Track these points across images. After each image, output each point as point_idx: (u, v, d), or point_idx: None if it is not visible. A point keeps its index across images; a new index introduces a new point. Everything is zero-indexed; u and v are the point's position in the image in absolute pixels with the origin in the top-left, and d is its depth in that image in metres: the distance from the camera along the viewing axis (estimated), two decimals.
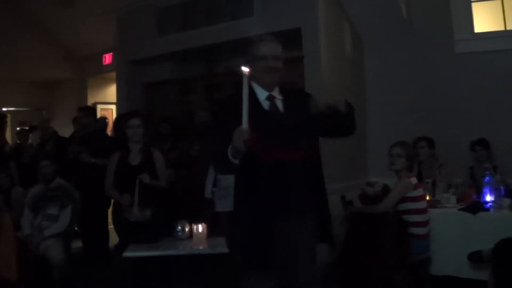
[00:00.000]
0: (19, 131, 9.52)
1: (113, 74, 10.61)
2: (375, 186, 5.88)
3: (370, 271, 5.19)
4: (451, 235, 5.61)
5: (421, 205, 5.47)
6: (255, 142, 3.02)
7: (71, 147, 7.82)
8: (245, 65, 3.03)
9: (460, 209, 5.69)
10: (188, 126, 8.20)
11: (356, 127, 3.48)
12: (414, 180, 5.51)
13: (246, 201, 3.30)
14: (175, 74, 9.37)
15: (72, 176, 7.66)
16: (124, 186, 5.42)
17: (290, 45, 6.87)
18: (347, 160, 7.39)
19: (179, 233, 5.27)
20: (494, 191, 5.71)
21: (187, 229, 5.28)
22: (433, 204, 5.91)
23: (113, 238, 6.36)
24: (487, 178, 5.83)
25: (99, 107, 12.18)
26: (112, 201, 6.16)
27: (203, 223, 5.27)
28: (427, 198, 5.86)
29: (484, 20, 7.43)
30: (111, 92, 11.99)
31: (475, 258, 5.18)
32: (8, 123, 9.32)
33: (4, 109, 11.58)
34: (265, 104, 3.37)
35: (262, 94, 3.37)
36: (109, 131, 8.93)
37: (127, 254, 4.87)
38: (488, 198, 5.73)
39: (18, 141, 9.16)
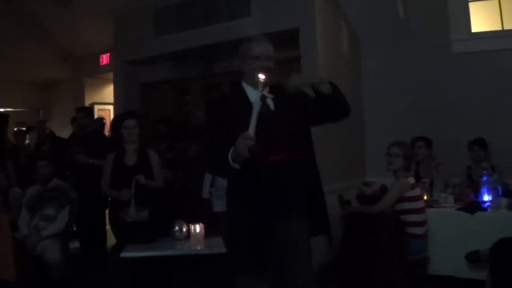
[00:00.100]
0: (16, 131, 9.52)
1: (111, 75, 10.60)
2: (372, 186, 5.87)
3: (368, 271, 5.19)
4: (448, 235, 5.62)
5: (418, 205, 5.47)
6: (259, 148, 3.02)
7: (71, 147, 7.82)
8: (261, 73, 3.03)
9: (457, 209, 5.70)
10: (186, 127, 8.21)
11: (350, 108, 3.43)
12: (411, 180, 5.50)
13: (241, 202, 3.29)
14: (173, 74, 9.37)
15: (71, 177, 7.67)
16: (120, 186, 5.42)
17: (288, 45, 6.88)
18: (344, 160, 7.40)
19: (177, 233, 5.27)
20: (492, 190, 5.71)
21: (184, 229, 5.28)
22: (430, 204, 5.91)
23: (111, 239, 6.36)
24: (484, 177, 5.84)
25: (96, 107, 12.20)
26: (109, 201, 6.15)
27: (200, 223, 5.26)
28: (425, 198, 5.87)
29: (481, 20, 7.44)
30: (108, 92, 11.98)
31: (473, 258, 5.17)
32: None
33: (1, 109, 11.57)
34: (257, 105, 3.34)
35: (253, 94, 3.34)
36: (107, 131, 8.92)
37: (125, 254, 4.87)
38: (486, 197, 5.74)
39: (15, 142, 9.16)
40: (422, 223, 5.45)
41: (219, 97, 4.12)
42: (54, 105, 13.36)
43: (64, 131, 10.08)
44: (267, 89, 3.37)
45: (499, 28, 7.33)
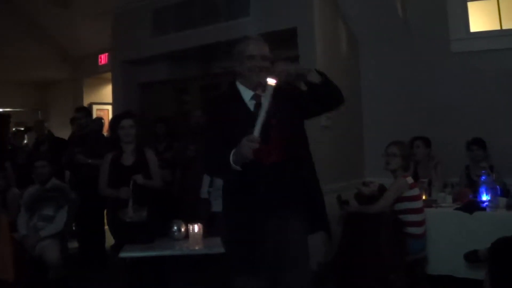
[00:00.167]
0: (14, 131, 9.51)
1: (109, 75, 10.59)
2: (371, 185, 5.89)
3: (366, 271, 5.19)
4: (447, 234, 5.61)
5: (417, 204, 5.47)
6: (262, 150, 3.01)
7: (71, 147, 7.82)
8: (271, 77, 3.01)
9: (456, 209, 5.69)
10: (184, 127, 8.20)
11: (343, 94, 3.38)
12: (410, 179, 5.51)
13: (238, 202, 3.29)
14: (172, 74, 9.37)
15: (71, 177, 7.68)
16: (118, 186, 5.41)
17: (286, 44, 6.88)
18: (343, 160, 7.40)
19: (175, 233, 5.28)
20: (490, 190, 5.71)
21: (183, 229, 5.29)
22: (429, 203, 5.90)
23: (109, 239, 6.36)
24: (483, 177, 5.84)
25: (95, 107, 12.21)
26: (107, 201, 6.14)
27: (199, 223, 5.27)
28: (423, 197, 5.86)
29: (480, 20, 7.44)
30: (107, 92, 11.98)
31: (471, 257, 5.17)
32: None
33: (0, 109, 11.58)
34: (251, 104, 3.35)
35: (247, 94, 3.35)
36: (105, 131, 8.92)
37: (123, 254, 4.87)
38: (485, 197, 5.73)
39: (14, 142, 9.15)
40: (420, 223, 5.46)
41: (214, 98, 4.12)
42: (53, 105, 13.36)
43: (63, 131, 10.08)
44: (261, 88, 3.36)
45: (497, 27, 7.32)
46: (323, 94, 3.25)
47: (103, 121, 9.32)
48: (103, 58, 11.49)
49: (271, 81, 2.97)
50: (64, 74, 12.58)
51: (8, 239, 6.01)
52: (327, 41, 7.13)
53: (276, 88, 3.23)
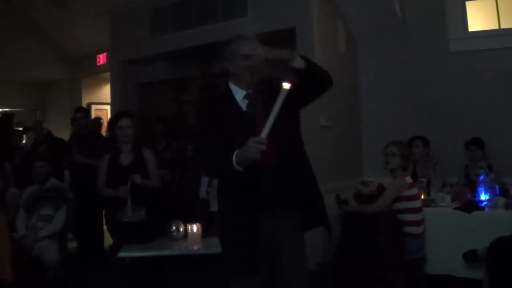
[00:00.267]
0: (13, 132, 9.50)
1: (107, 75, 10.60)
2: (369, 185, 5.89)
3: (365, 271, 5.20)
4: (446, 234, 5.62)
5: (416, 204, 5.47)
6: (268, 151, 3.01)
7: (71, 147, 7.82)
8: (286, 82, 2.97)
9: (455, 208, 5.69)
10: (183, 127, 8.20)
11: (331, 77, 3.32)
12: (408, 179, 5.51)
13: (235, 202, 3.26)
14: (170, 74, 9.37)
15: (71, 176, 7.68)
16: (116, 186, 5.39)
17: (285, 44, 6.86)
18: (342, 160, 7.41)
19: (174, 233, 5.28)
20: (489, 190, 5.71)
21: (181, 229, 5.29)
22: (427, 203, 5.91)
23: (108, 239, 6.35)
24: (481, 177, 5.84)
25: (93, 107, 12.20)
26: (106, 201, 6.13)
27: (197, 223, 5.27)
28: (422, 197, 5.87)
29: (478, 19, 7.44)
30: (105, 92, 11.97)
31: (470, 257, 5.18)
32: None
33: None
34: (243, 104, 3.32)
35: (239, 94, 3.33)
36: (104, 131, 8.92)
37: (122, 254, 4.87)
38: (483, 197, 5.73)
39: (13, 142, 9.14)
40: (419, 223, 5.46)
41: (206, 99, 4.11)
42: (51, 105, 13.34)
43: (62, 131, 10.07)
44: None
45: (496, 27, 7.33)
46: (311, 79, 3.20)
47: (101, 121, 9.33)
48: (102, 58, 11.48)
49: (286, 85, 2.94)
50: (63, 74, 12.57)
51: (7, 239, 6.02)
52: (325, 41, 7.13)
53: (270, 87, 3.23)
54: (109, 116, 11.21)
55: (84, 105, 11.49)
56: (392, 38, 7.66)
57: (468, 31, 7.38)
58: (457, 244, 5.41)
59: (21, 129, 9.49)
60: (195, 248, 5.01)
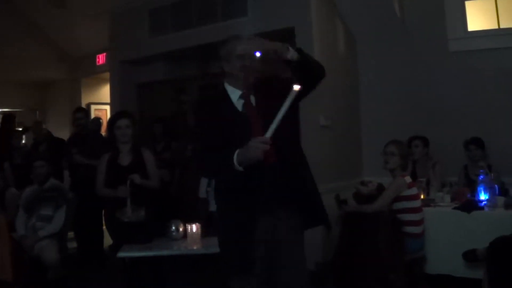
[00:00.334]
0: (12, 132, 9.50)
1: (107, 75, 10.60)
2: (369, 185, 5.89)
3: (365, 270, 5.20)
4: (445, 234, 5.61)
5: (415, 204, 5.47)
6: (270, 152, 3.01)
7: (71, 148, 7.83)
8: (295, 83, 2.96)
9: (454, 208, 5.69)
10: (183, 126, 8.20)
11: (323, 68, 3.32)
12: (408, 179, 5.51)
13: (233, 203, 3.25)
14: (169, 74, 9.37)
15: (71, 176, 7.68)
16: (115, 187, 5.39)
17: None
18: (342, 159, 7.41)
19: (173, 233, 5.28)
20: (489, 189, 5.71)
21: (181, 229, 5.28)
22: (427, 203, 5.91)
23: (108, 239, 6.36)
24: (481, 176, 5.84)
25: (93, 107, 12.19)
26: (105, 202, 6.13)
27: (197, 223, 5.27)
28: (422, 197, 5.87)
29: (477, 19, 7.45)
30: (105, 92, 11.97)
31: (470, 257, 5.18)
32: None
33: None
34: (239, 104, 3.31)
35: (235, 94, 3.32)
36: (103, 131, 8.92)
37: (121, 254, 4.87)
38: (483, 196, 5.73)
39: (12, 142, 9.14)
40: (419, 222, 5.46)
41: (202, 100, 4.10)
42: (51, 105, 13.33)
43: (61, 131, 10.08)
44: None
45: (495, 26, 7.34)
46: (304, 71, 3.17)
47: (101, 121, 9.34)
48: (101, 58, 11.47)
49: (296, 87, 2.94)
50: (62, 74, 12.56)
51: (7, 239, 6.03)
52: (325, 41, 7.13)
53: (267, 86, 3.22)
54: (108, 116, 11.21)
55: (83, 105, 11.49)
56: (392, 38, 7.66)
57: (468, 31, 7.38)
58: (456, 244, 5.41)
59: (20, 129, 9.48)
60: (195, 248, 5.01)
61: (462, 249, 5.25)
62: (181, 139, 7.72)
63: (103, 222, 6.37)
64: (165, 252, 4.94)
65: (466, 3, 7.39)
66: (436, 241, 5.60)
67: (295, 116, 3.43)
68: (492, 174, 5.93)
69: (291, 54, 3.10)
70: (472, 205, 5.65)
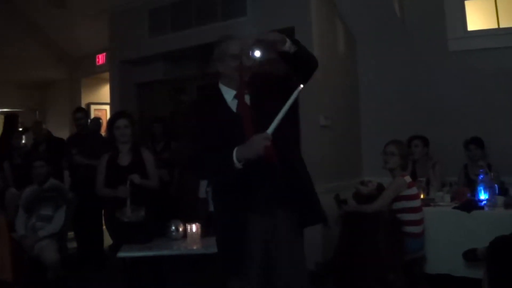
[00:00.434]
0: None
1: (107, 75, 10.59)
2: (369, 185, 5.87)
3: (364, 270, 5.19)
4: (445, 233, 5.61)
5: (415, 203, 5.47)
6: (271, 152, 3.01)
7: (71, 148, 7.83)
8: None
9: (454, 208, 5.69)
10: (182, 126, 8.19)
11: (316, 59, 3.29)
12: (408, 178, 5.51)
13: (232, 204, 3.24)
14: (169, 74, 9.36)
15: (71, 176, 7.68)
16: (115, 187, 5.39)
17: None
18: (341, 159, 7.41)
19: (173, 233, 5.28)
20: (488, 189, 5.71)
21: (181, 229, 5.28)
22: (427, 202, 5.90)
23: (108, 239, 6.36)
24: (481, 176, 5.83)
25: (93, 107, 12.19)
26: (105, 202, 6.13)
27: (197, 223, 5.27)
28: (421, 196, 5.86)
29: (477, 18, 7.45)
30: (104, 92, 11.97)
31: (470, 256, 5.17)
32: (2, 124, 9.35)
33: None
34: (233, 104, 3.31)
35: (229, 95, 3.32)
36: (103, 131, 8.92)
37: (121, 254, 4.87)
38: (483, 196, 5.73)
39: (12, 142, 9.14)
40: (418, 222, 5.45)
41: (196, 101, 4.09)
42: (51, 105, 13.33)
43: (61, 131, 10.08)
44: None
45: (495, 26, 7.34)
46: (299, 63, 3.17)
47: (101, 121, 9.35)
48: (101, 58, 11.48)
49: (301, 86, 2.94)
50: (62, 74, 12.56)
51: (7, 239, 6.03)
52: (325, 41, 7.13)
53: (261, 85, 3.22)
54: (108, 116, 11.21)
55: (83, 105, 11.49)
56: (392, 38, 7.66)
57: (468, 30, 7.38)
58: (456, 244, 5.40)
59: (20, 129, 9.47)
60: (195, 248, 5.01)
61: (462, 248, 5.25)
62: (181, 139, 7.72)
63: (103, 222, 6.37)
64: (165, 252, 4.94)
65: (466, 2, 7.39)
66: (436, 241, 5.59)
67: (294, 116, 3.44)
68: (492, 174, 5.93)
69: (289, 46, 3.09)
70: (472, 204, 5.65)
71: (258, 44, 3.08)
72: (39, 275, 5.92)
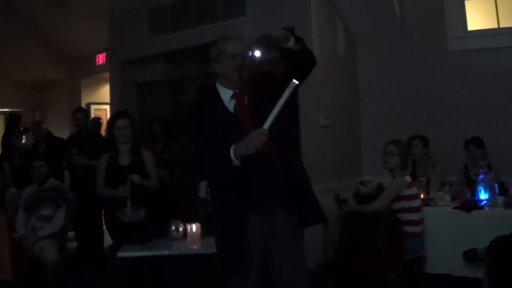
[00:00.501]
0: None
1: (107, 74, 10.58)
2: (369, 185, 5.87)
3: (364, 270, 5.19)
4: (445, 233, 5.61)
5: (415, 203, 5.47)
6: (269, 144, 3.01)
7: (71, 148, 7.83)
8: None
9: (454, 208, 5.69)
10: (181, 127, 8.19)
11: (315, 56, 3.32)
12: (408, 178, 5.50)
13: (231, 204, 3.24)
14: (169, 74, 9.35)
15: (71, 176, 7.68)
16: (115, 187, 5.39)
17: None
18: (341, 159, 7.41)
19: (173, 233, 5.27)
20: (489, 189, 5.71)
21: (181, 229, 5.28)
22: (427, 202, 5.90)
23: (108, 239, 6.36)
24: (481, 176, 5.83)
25: (93, 107, 12.19)
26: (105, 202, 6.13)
27: (197, 223, 5.26)
28: (421, 196, 5.86)
29: (477, 18, 7.45)
30: (104, 92, 11.96)
31: (470, 256, 5.17)
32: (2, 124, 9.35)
33: None
34: (230, 104, 3.31)
35: (226, 95, 3.32)
36: (103, 131, 8.92)
37: (121, 254, 4.86)
38: (483, 196, 5.73)
39: (12, 142, 9.13)
40: (418, 222, 5.45)
41: (193, 102, 4.08)
42: (51, 105, 13.32)
43: (61, 131, 10.07)
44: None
45: (495, 26, 7.34)
46: (301, 60, 3.19)
47: (101, 121, 9.34)
48: (101, 58, 11.48)
49: (295, 81, 2.94)
50: (62, 74, 12.56)
51: (7, 239, 6.03)
52: (325, 41, 7.13)
53: (260, 84, 3.22)
54: (108, 116, 11.21)
55: (83, 105, 11.48)
56: (392, 38, 7.66)
57: (467, 30, 7.38)
58: (456, 243, 5.40)
59: (20, 129, 9.47)
60: (195, 248, 5.00)
61: (462, 248, 5.25)
62: (180, 139, 7.71)
63: (103, 222, 6.37)
64: (165, 252, 4.94)
65: (466, 2, 7.39)
66: (436, 241, 5.59)
67: (294, 116, 3.44)
68: (492, 174, 5.93)
69: (292, 43, 3.11)
70: (472, 204, 5.65)
71: (260, 42, 3.08)
72: (39, 275, 5.92)
